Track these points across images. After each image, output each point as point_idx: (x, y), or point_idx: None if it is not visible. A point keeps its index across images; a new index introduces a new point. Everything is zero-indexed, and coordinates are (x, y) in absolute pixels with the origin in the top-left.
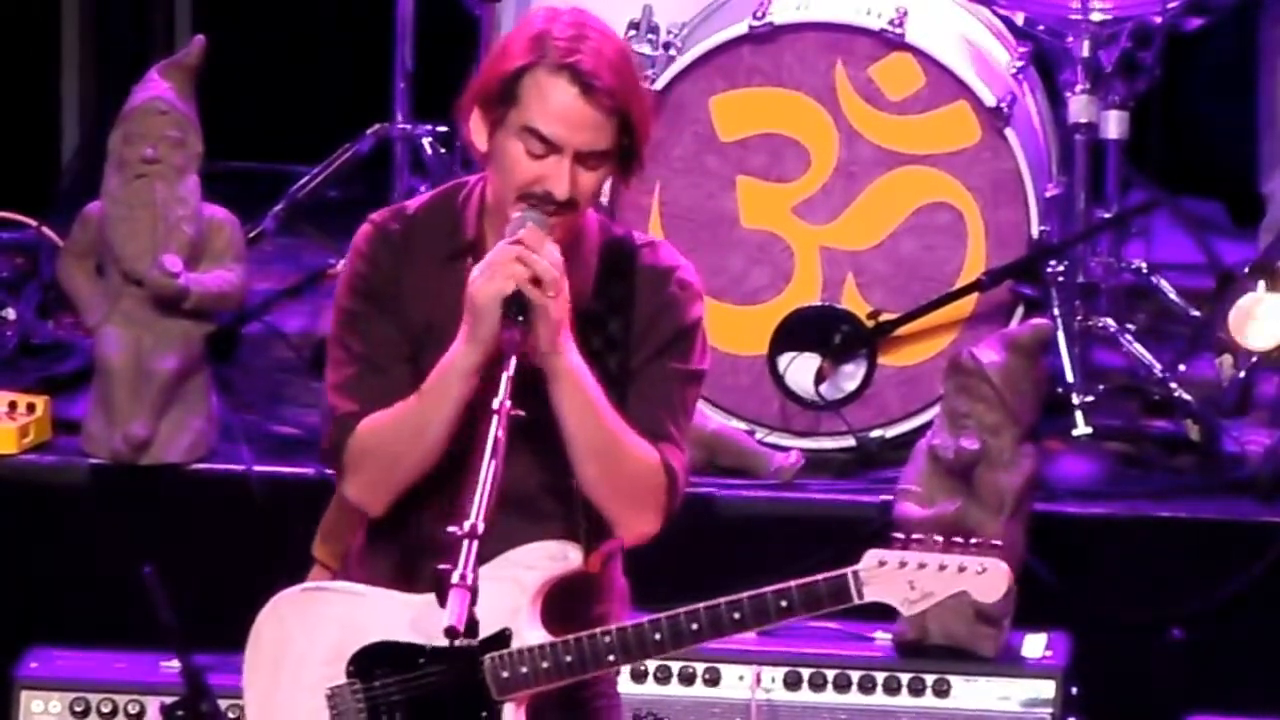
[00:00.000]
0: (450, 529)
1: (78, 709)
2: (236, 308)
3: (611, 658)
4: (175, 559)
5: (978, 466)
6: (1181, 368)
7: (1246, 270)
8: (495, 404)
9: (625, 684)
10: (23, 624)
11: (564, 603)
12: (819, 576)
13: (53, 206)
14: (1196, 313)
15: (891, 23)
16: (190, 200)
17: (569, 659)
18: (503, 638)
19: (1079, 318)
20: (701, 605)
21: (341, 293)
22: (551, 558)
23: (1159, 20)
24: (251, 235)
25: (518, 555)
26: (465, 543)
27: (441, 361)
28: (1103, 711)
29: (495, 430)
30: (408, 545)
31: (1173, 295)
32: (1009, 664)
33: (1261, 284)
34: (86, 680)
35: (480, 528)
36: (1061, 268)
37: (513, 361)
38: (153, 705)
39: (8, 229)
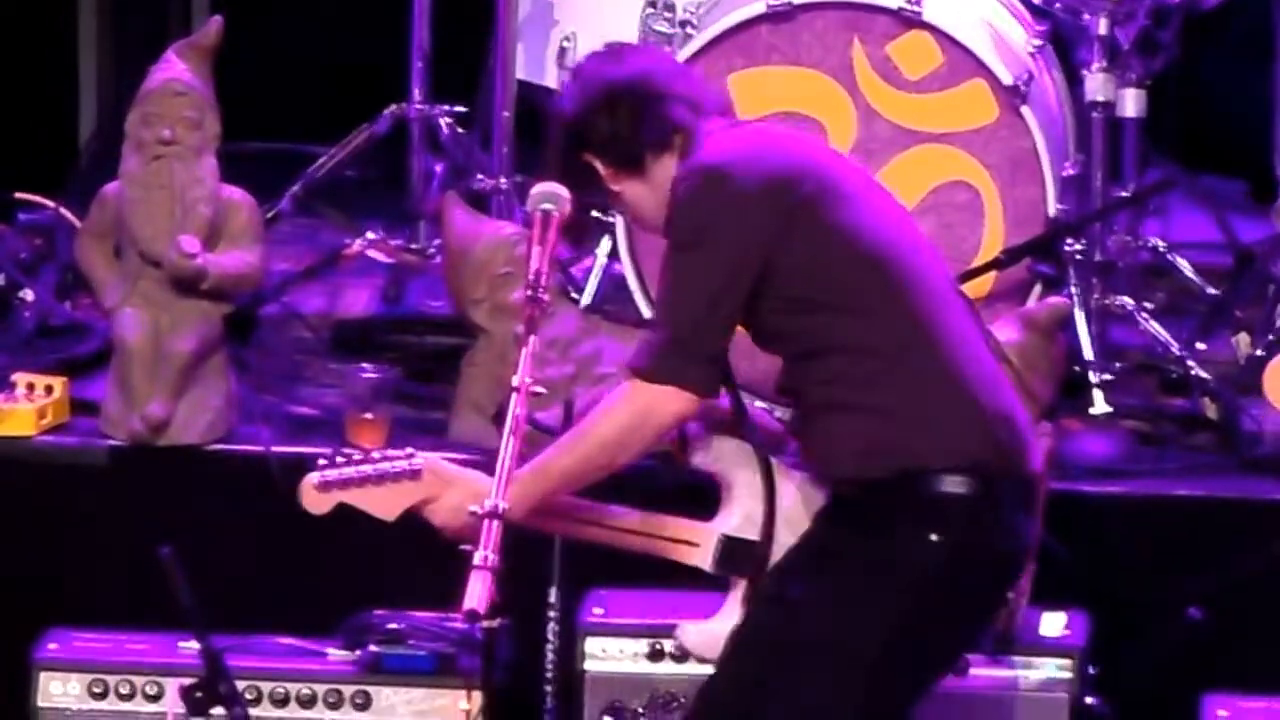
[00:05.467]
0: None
1: (96, 690)
2: (254, 288)
3: None
4: (193, 540)
5: None
6: (1199, 346)
7: None
8: (515, 381)
9: (642, 663)
10: (41, 605)
11: None
12: None
13: (70, 187)
14: (1214, 291)
15: (909, 1)
16: (208, 181)
17: None
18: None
19: (1097, 296)
20: None
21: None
22: None
23: None
24: (269, 216)
25: None
26: (486, 523)
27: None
28: (1120, 690)
29: (514, 408)
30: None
31: (1190, 273)
32: (1027, 643)
33: None
34: (104, 662)
35: (501, 508)
36: (1079, 246)
37: (532, 339)
38: (171, 686)
39: (26, 210)
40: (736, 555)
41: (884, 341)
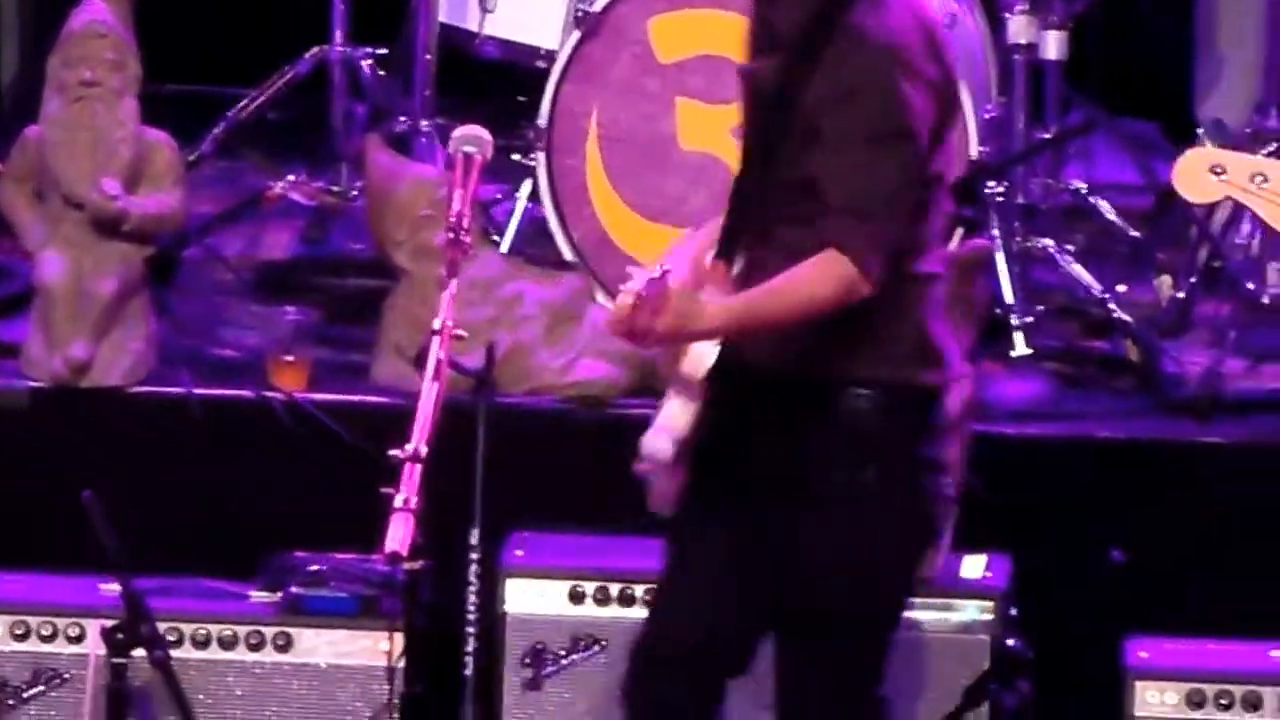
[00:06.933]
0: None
1: (18, 632)
2: (176, 230)
3: None
4: (115, 482)
5: None
6: (1121, 288)
7: None
8: (436, 324)
9: (563, 606)
10: None
11: None
12: None
13: None
14: (1135, 233)
15: None
16: (129, 123)
17: None
18: None
19: (1018, 238)
20: None
21: None
22: None
23: None
24: (190, 158)
25: None
26: (406, 466)
27: None
28: (1041, 633)
29: (436, 350)
30: None
31: (1112, 216)
32: (948, 585)
33: None
34: (26, 603)
35: (423, 452)
36: (1001, 188)
37: (454, 282)
38: (93, 628)
39: None
40: None
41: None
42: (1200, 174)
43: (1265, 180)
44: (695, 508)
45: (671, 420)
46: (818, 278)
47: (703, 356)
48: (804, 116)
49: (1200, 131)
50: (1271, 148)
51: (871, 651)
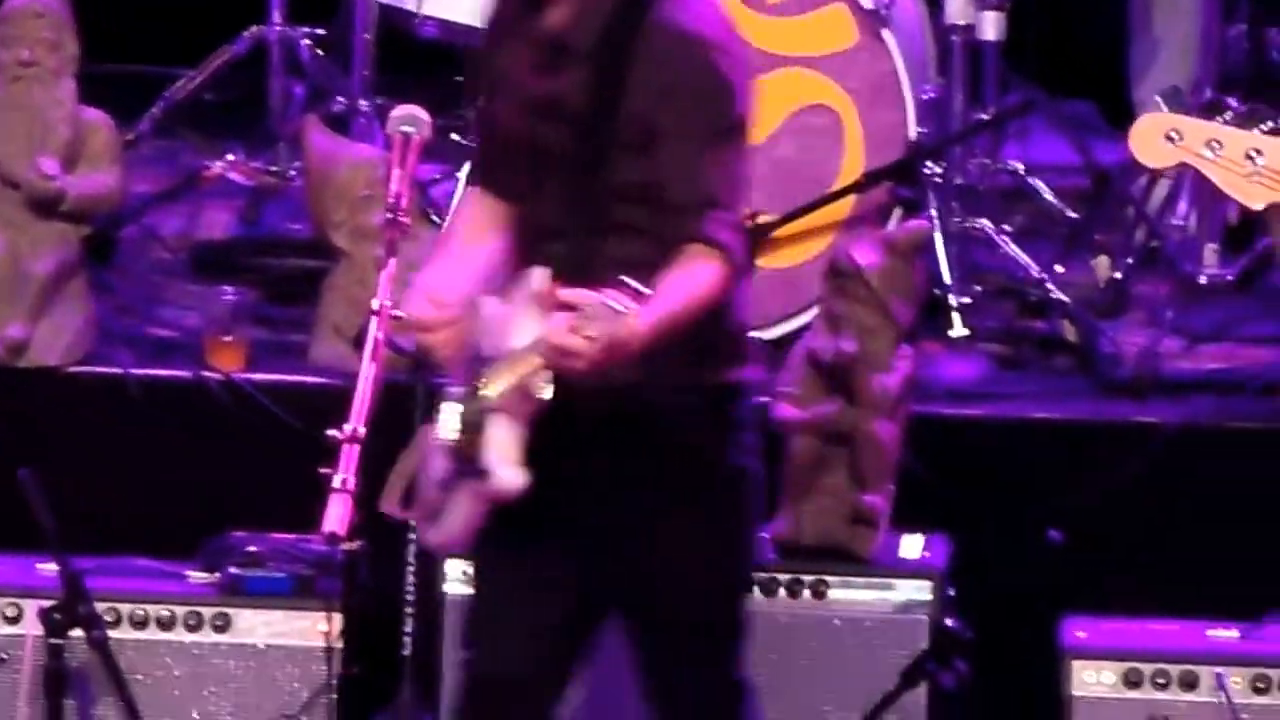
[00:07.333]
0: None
1: None
2: (113, 210)
3: None
4: (52, 461)
5: (855, 368)
6: (1058, 269)
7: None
8: (375, 304)
9: None
10: None
11: None
12: None
13: None
14: (1073, 214)
15: None
16: (67, 103)
17: None
18: None
19: (956, 219)
20: None
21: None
22: None
23: None
24: (128, 138)
25: None
26: (345, 447)
27: None
28: (980, 613)
29: (374, 331)
30: None
31: (1049, 196)
32: (886, 565)
33: None
34: None
35: (362, 432)
36: (939, 169)
37: (392, 262)
38: (30, 608)
39: None
40: None
41: None
42: (1155, 139)
43: (1220, 147)
44: (515, 532)
45: (509, 448)
46: (705, 277)
47: (546, 378)
48: (631, 124)
49: (1157, 99)
50: (1227, 116)
51: (730, 638)
